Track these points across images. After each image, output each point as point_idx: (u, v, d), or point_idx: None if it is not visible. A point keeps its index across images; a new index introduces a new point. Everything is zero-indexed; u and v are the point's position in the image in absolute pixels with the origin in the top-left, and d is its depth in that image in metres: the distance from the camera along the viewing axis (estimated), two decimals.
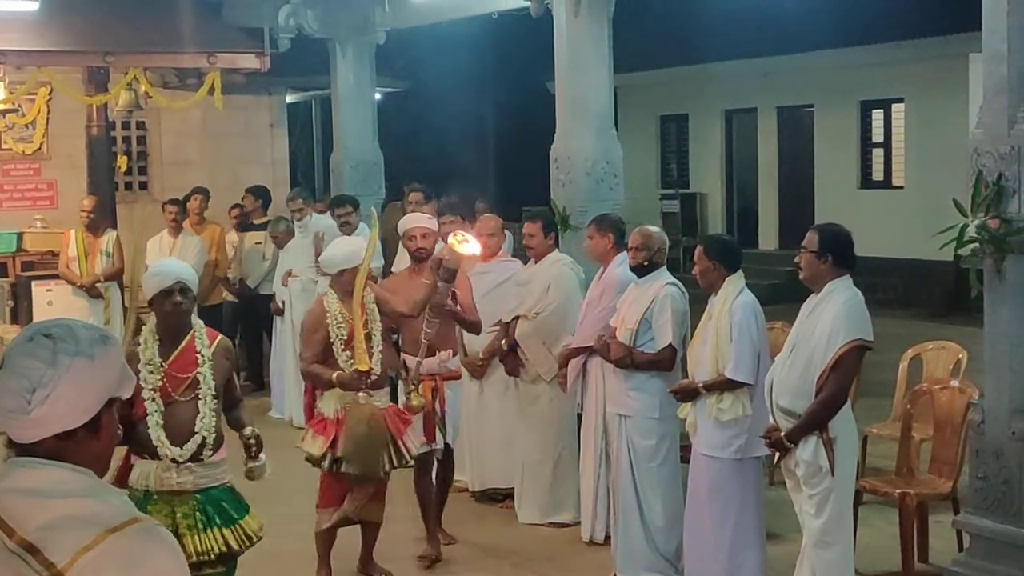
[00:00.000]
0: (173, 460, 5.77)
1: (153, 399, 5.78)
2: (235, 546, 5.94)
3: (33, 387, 2.54)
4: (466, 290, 8.27)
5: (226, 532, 5.91)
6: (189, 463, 5.80)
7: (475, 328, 8.42)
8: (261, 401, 13.20)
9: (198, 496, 5.83)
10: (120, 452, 5.89)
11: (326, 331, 7.30)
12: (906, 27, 18.36)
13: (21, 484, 2.55)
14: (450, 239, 7.35)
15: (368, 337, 7.23)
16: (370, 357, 7.15)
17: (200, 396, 5.89)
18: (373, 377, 7.18)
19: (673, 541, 7.57)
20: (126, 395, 2.74)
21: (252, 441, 6.19)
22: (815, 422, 6.35)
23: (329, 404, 7.32)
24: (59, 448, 2.58)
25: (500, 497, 9.23)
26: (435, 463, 8.28)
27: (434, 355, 7.88)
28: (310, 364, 7.43)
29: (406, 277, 8.43)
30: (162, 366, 5.82)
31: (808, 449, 6.42)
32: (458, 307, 8.01)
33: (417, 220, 8.47)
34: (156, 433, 5.74)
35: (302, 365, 7.67)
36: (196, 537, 5.73)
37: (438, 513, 8.37)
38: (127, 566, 2.47)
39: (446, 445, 8.29)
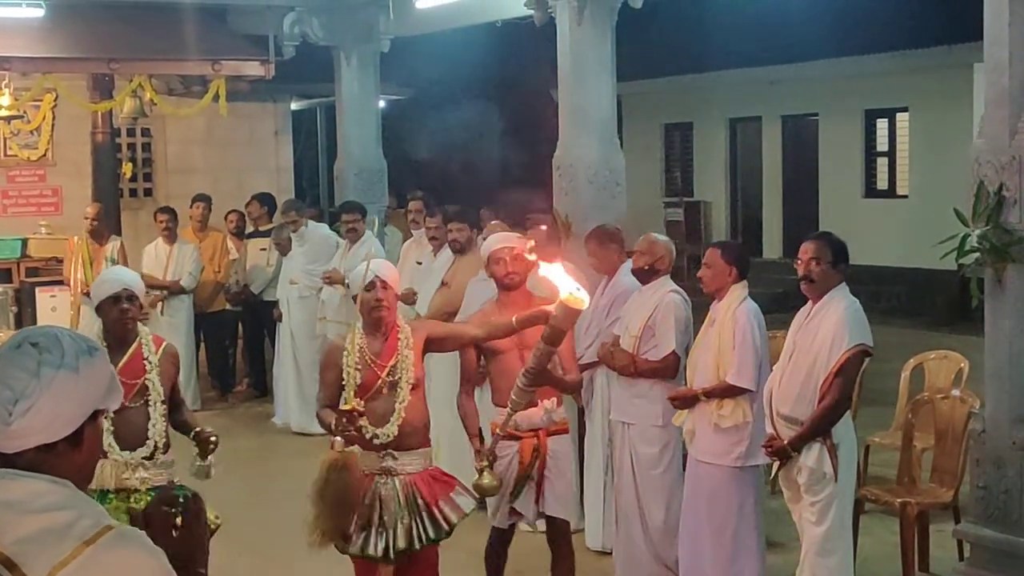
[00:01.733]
0: (125, 463, 5.86)
1: None
2: None
3: (15, 398, 2.50)
4: (568, 338, 6.48)
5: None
6: (143, 460, 5.89)
7: (573, 388, 7.00)
8: (265, 407, 13.26)
9: (153, 492, 5.89)
10: None
11: (339, 371, 6.01)
12: (910, 36, 18.38)
13: (2, 495, 2.51)
14: (564, 295, 5.48)
15: (392, 386, 5.96)
16: (393, 409, 5.93)
17: (150, 402, 5.98)
18: (358, 422, 5.79)
19: (675, 549, 7.53)
20: (113, 407, 2.69)
21: (213, 439, 6.21)
22: (820, 427, 6.39)
23: None
24: (39, 460, 2.54)
25: None
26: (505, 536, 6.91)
27: (535, 405, 6.44)
28: (322, 407, 6.18)
29: (494, 312, 6.76)
30: None
31: (812, 455, 6.45)
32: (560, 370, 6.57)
33: (504, 239, 6.96)
34: (106, 439, 5.73)
35: (316, 407, 6.44)
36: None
37: None
38: (112, 567, 2.45)
39: (550, 519, 6.78)
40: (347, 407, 5.73)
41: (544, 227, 9.18)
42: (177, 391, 6.37)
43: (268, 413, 12.98)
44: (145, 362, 6.02)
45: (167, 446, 6.06)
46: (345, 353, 6.01)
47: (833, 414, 6.41)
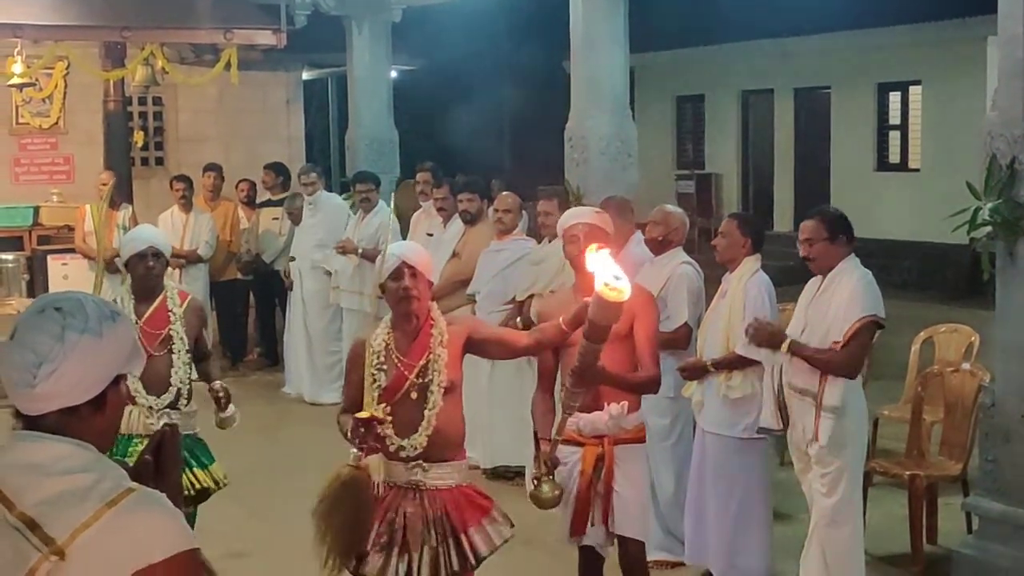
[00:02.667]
0: (150, 407, 6.29)
1: None
2: (210, 485, 6.50)
3: (40, 362, 2.54)
4: (649, 318, 5.72)
5: (201, 473, 6.47)
6: (167, 409, 6.32)
7: (640, 387, 5.73)
8: (275, 376, 13.32)
9: None
10: None
11: (362, 372, 5.06)
12: (924, 9, 18.31)
13: (22, 458, 2.56)
14: (599, 285, 4.59)
15: (422, 390, 5.02)
16: (423, 417, 5.00)
17: (174, 351, 6.41)
18: (376, 432, 4.92)
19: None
20: (136, 372, 2.72)
21: (221, 394, 6.70)
22: (813, 361, 6.42)
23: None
24: (62, 423, 2.58)
25: (511, 475, 9.26)
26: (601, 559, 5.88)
27: (600, 408, 5.55)
28: (342, 411, 5.35)
29: (571, 298, 5.66)
30: (137, 323, 6.19)
31: (825, 432, 6.46)
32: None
33: (578, 214, 6.06)
34: (133, 385, 6.05)
35: (338, 411, 5.53)
36: None
37: None
38: (128, 540, 2.48)
39: (621, 539, 5.77)
40: (364, 415, 4.84)
41: (555, 199, 9.19)
42: (203, 342, 6.82)
43: (279, 382, 13.02)
44: (170, 314, 6.47)
45: (190, 394, 6.46)
46: (369, 350, 5.04)
47: (834, 366, 6.40)
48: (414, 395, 5.01)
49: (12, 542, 2.48)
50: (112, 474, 2.57)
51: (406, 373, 5.02)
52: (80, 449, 2.58)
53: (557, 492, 5.22)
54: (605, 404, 5.54)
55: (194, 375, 6.75)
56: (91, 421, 2.62)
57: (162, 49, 14.49)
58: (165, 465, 2.85)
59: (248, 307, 14.33)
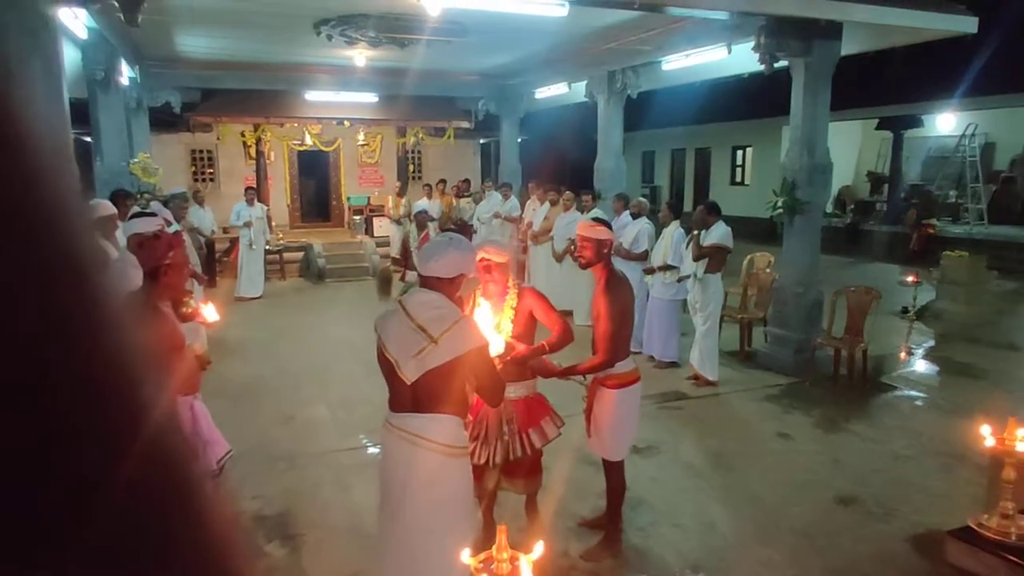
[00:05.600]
0: None
1: None
2: None
3: (432, 256, 2.60)
4: (604, 316, 3.48)
5: None
6: None
7: (594, 370, 3.52)
8: None
9: None
10: None
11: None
12: (754, 111, 17.61)
13: (419, 299, 2.60)
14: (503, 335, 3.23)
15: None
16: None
17: None
18: None
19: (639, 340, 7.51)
20: (471, 273, 2.70)
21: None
22: (700, 251, 6.31)
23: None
24: (436, 284, 2.62)
25: None
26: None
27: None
28: None
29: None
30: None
31: (698, 293, 6.41)
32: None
33: (581, 227, 3.60)
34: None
35: None
36: None
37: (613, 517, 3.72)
38: (463, 336, 2.52)
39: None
40: None
41: (590, 195, 9.03)
42: None
43: None
44: (429, 236, 6.74)
45: None
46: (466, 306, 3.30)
47: (703, 254, 6.29)
48: None
49: (414, 336, 2.53)
50: (456, 309, 2.62)
51: None
52: (443, 297, 2.61)
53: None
54: None
55: None
56: (448, 287, 2.63)
57: (421, 128, 14.53)
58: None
59: None
